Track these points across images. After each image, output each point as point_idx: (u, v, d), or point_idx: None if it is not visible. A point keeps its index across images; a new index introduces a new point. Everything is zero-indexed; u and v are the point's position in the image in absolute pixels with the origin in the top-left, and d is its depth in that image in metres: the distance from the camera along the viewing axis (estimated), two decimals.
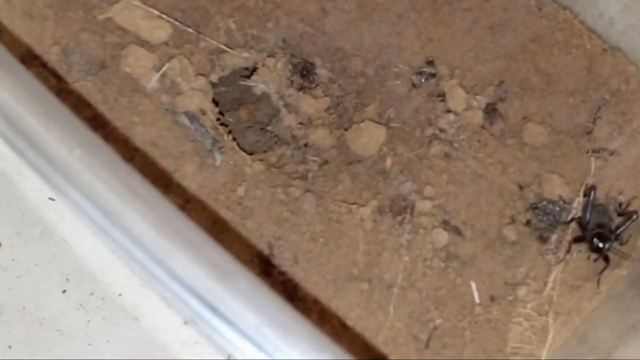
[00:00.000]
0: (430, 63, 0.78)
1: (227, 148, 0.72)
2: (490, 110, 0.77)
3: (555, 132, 0.77)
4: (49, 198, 0.72)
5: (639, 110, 0.79)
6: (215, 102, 0.74)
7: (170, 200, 0.52)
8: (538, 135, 0.77)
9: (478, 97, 0.77)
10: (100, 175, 0.50)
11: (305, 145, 0.74)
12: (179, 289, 0.49)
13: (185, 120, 0.73)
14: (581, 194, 0.76)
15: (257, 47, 0.76)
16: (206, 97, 0.74)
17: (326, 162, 0.74)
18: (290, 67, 0.76)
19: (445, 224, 0.73)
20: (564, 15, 0.81)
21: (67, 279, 0.70)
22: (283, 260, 0.70)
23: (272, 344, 0.48)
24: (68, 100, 0.70)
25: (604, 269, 0.73)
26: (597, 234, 0.73)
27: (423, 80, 0.77)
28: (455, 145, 0.76)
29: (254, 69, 0.76)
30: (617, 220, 0.76)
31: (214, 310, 0.48)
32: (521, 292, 0.72)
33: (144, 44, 0.74)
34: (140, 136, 0.71)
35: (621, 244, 0.74)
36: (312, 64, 0.76)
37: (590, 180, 0.76)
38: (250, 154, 0.73)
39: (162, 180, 0.70)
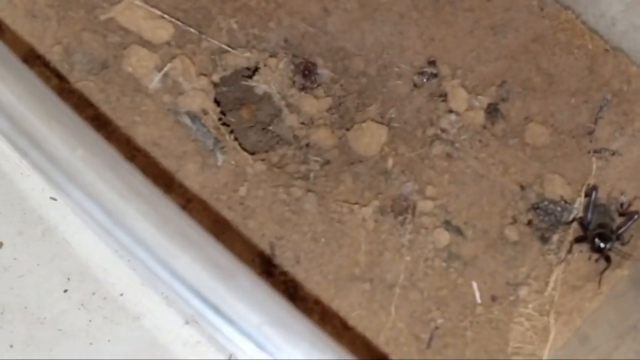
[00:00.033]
0: (432, 63, 0.78)
1: (229, 148, 0.72)
2: (492, 111, 0.77)
3: (557, 133, 0.77)
4: (51, 198, 0.72)
5: None
6: (217, 102, 0.74)
7: (172, 200, 0.52)
8: (540, 136, 0.77)
9: (480, 97, 0.77)
10: (102, 175, 0.50)
11: (307, 145, 0.74)
12: (181, 288, 0.49)
13: (187, 120, 0.73)
14: (582, 194, 0.76)
15: (259, 47, 0.76)
16: (208, 97, 0.74)
17: (328, 162, 0.74)
18: (292, 67, 0.76)
19: (447, 224, 0.73)
20: (566, 15, 0.81)
21: (69, 279, 0.70)
22: (284, 260, 0.70)
23: (274, 343, 0.48)
24: (70, 100, 0.70)
25: (605, 269, 0.73)
26: (599, 234, 0.73)
27: (425, 80, 0.77)
28: (457, 145, 0.76)
29: (256, 69, 0.76)
30: (619, 220, 0.76)
31: (216, 309, 0.48)
32: (522, 292, 0.72)
33: (146, 44, 0.74)
34: (142, 136, 0.71)
35: (622, 244, 0.74)
36: (314, 64, 0.76)
37: (591, 181, 0.76)
38: (252, 153, 0.73)
39: (163, 180, 0.70)
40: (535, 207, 0.75)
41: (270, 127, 0.75)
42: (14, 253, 0.71)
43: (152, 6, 0.75)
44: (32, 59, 0.72)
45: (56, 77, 0.72)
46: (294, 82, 0.76)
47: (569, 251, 0.74)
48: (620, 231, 0.74)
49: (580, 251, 0.74)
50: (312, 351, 0.48)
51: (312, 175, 0.73)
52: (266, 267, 0.70)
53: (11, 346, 0.69)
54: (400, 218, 0.73)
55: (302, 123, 0.75)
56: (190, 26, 0.75)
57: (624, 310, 0.72)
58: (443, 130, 0.76)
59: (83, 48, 0.73)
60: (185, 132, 0.72)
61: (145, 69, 0.73)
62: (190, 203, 0.70)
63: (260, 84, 0.75)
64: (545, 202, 0.75)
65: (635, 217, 0.75)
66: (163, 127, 0.72)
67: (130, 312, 0.70)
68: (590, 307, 0.73)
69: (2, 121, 0.51)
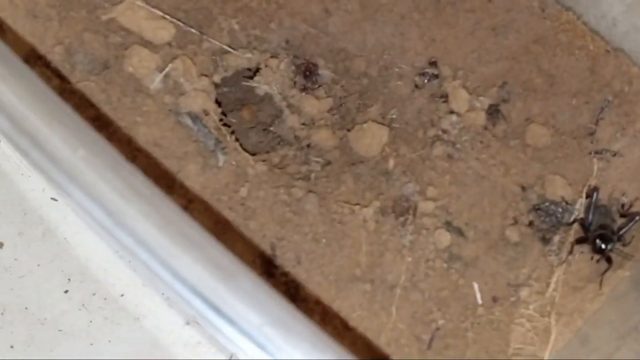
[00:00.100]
0: (433, 64, 0.78)
1: (230, 149, 0.72)
2: (493, 112, 0.77)
3: (558, 134, 0.77)
4: (51, 198, 0.72)
5: None
6: (218, 103, 0.74)
7: (173, 201, 0.52)
8: (541, 137, 0.77)
9: (481, 98, 0.77)
10: (103, 176, 0.50)
11: (308, 146, 0.74)
12: (182, 289, 0.49)
13: (188, 121, 0.73)
14: (584, 195, 0.76)
15: (260, 47, 0.76)
16: (209, 97, 0.74)
17: (329, 163, 0.74)
18: (293, 67, 0.76)
19: (448, 225, 0.73)
20: (567, 16, 0.81)
21: (69, 279, 0.70)
22: (285, 261, 0.70)
23: (275, 344, 0.48)
24: (71, 100, 0.70)
25: (606, 270, 0.73)
26: (600, 235, 0.73)
27: (426, 81, 0.77)
28: (458, 146, 0.76)
29: (257, 70, 0.76)
30: (620, 221, 0.76)
31: (217, 310, 0.48)
32: (523, 293, 0.72)
33: (147, 44, 0.74)
34: (143, 136, 0.71)
35: (624, 245, 0.74)
36: (315, 65, 0.76)
37: (592, 182, 0.76)
38: (253, 154, 0.73)
39: (164, 181, 0.70)
40: (536, 208, 0.75)
41: (271, 128, 0.75)
42: (14, 253, 0.71)
43: (153, 7, 0.75)
44: (34, 59, 0.72)
45: (57, 78, 0.72)
46: (295, 82, 0.76)
47: (570, 252, 0.74)
48: (621, 232, 0.74)
49: (582, 252, 0.74)
50: (313, 352, 0.48)
51: (313, 176, 0.73)
52: (267, 267, 0.70)
53: (12, 347, 0.69)
54: (402, 219, 0.73)
55: (303, 124, 0.75)
56: (192, 27, 0.75)
57: (625, 311, 0.72)
58: (444, 131, 0.76)
59: (84, 48, 0.73)
60: (187, 133, 0.72)
61: (147, 69, 0.73)
62: (192, 204, 0.70)
63: (261, 85, 0.75)
64: (547, 203, 0.75)
65: (637, 218, 0.74)
66: (164, 128, 0.72)
67: (130, 312, 0.70)
68: (591, 308, 0.73)
69: (3, 121, 0.51)
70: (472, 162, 0.75)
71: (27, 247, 0.71)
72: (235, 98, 0.75)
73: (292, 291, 0.69)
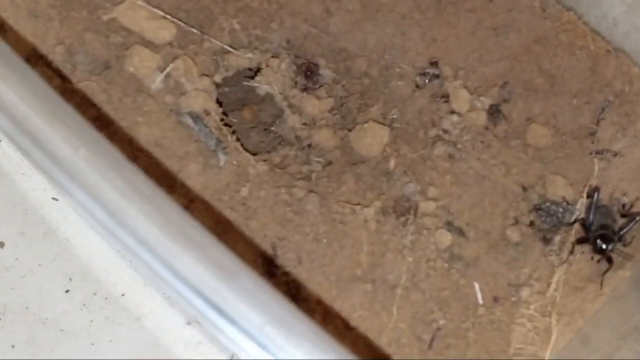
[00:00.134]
0: (434, 64, 0.78)
1: (231, 148, 0.72)
2: (494, 112, 0.77)
3: (559, 134, 0.77)
4: (52, 198, 0.72)
5: None
6: (219, 103, 0.74)
7: (174, 201, 0.52)
8: (542, 137, 0.77)
9: (482, 98, 0.77)
10: (105, 175, 0.50)
11: (309, 145, 0.74)
12: (183, 288, 0.49)
13: (189, 121, 0.73)
14: (584, 195, 0.76)
15: (261, 47, 0.76)
16: (210, 97, 0.74)
17: (330, 163, 0.74)
18: (294, 67, 0.76)
19: (449, 225, 0.73)
20: (568, 16, 0.81)
21: (70, 279, 0.70)
22: (286, 261, 0.70)
23: (276, 343, 0.48)
24: (72, 100, 0.70)
25: (607, 270, 0.73)
26: (601, 235, 0.73)
27: (427, 81, 0.77)
28: (459, 146, 0.76)
29: (258, 70, 0.76)
30: (621, 221, 0.76)
31: (218, 310, 0.48)
32: (524, 293, 0.72)
33: (148, 44, 0.74)
34: (144, 136, 0.71)
35: (624, 245, 0.74)
36: (316, 65, 0.76)
37: (593, 182, 0.76)
38: (254, 154, 0.73)
39: (165, 181, 0.70)
40: (537, 208, 0.75)
41: (272, 128, 0.75)
42: (15, 253, 0.71)
43: (154, 6, 0.75)
44: (35, 59, 0.72)
45: (58, 78, 0.72)
46: (296, 82, 0.76)
47: (571, 252, 0.74)
48: (622, 232, 0.74)
49: (582, 252, 0.74)
50: (314, 351, 0.48)
51: (314, 175, 0.73)
52: (268, 267, 0.70)
53: (13, 346, 0.69)
54: (402, 219, 0.73)
55: (304, 124, 0.75)
56: (193, 27, 0.75)
57: (626, 312, 0.72)
58: (445, 131, 0.76)
59: (85, 48, 0.73)
60: (188, 133, 0.72)
61: (148, 69, 0.73)
62: (193, 203, 0.70)
63: (262, 85, 0.75)
64: (547, 203, 0.75)
65: (637, 218, 0.74)
66: (165, 128, 0.72)
67: (132, 312, 0.70)
68: (592, 308, 0.73)
69: (4, 121, 0.51)
70: (473, 162, 0.75)
71: (28, 246, 0.71)
72: (236, 98, 0.75)
73: (293, 291, 0.69)
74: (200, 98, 0.73)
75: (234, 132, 0.73)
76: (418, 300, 0.71)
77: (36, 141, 0.50)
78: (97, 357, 0.69)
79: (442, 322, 0.70)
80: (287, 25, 0.77)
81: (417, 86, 0.77)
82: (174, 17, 0.75)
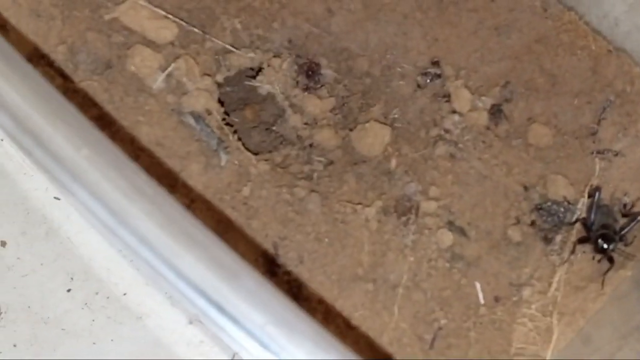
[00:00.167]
0: (435, 63, 0.78)
1: (233, 148, 0.73)
2: (496, 111, 0.77)
3: (560, 133, 0.77)
4: (54, 197, 0.72)
5: None
6: (221, 102, 0.74)
7: (176, 200, 0.52)
8: (543, 136, 0.77)
9: (483, 97, 0.77)
10: (107, 175, 0.50)
11: (311, 145, 0.74)
12: (185, 287, 0.49)
13: (191, 120, 0.73)
14: (586, 195, 0.76)
15: (262, 47, 0.76)
16: (212, 97, 0.74)
17: (331, 163, 0.74)
18: (295, 67, 0.76)
19: (450, 225, 0.73)
20: (569, 16, 0.81)
21: (72, 278, 0.71)
22: (288, 260, 0.70)
23: (278, 343, 0.48)
24: (74, 99, 0.70)
25: (608, 270, 0.73)
26: (602, 234, 0.72)
27: (428, 80, 0.77)
28: (460, 146, 0.76)
29: (260, 69, 0.76)
30: (622, 221, 0.75)
31: (220, 309, 0.48)
32: (526, 292, 0.72)
33: (150, 44, 0.74)
34: (145, 136, 0.71)
35: (626, 245, 0.74)
36: (318, 64, 0.76)
37: (594, 181, 0.76)
38: (256, 154, 0.73)
39: (167, 180, 0.70)
40: (538, 208, 0.75)
41: (274, 128, 0.75)
42: (17, 253, 0.71)
43: (156, 6, 0.75)
44: (37, 58, 0.72)
45: (60, 77, 0.72)
46: (297, 82, 0.76)
47: (572, 252, 0.74)
48: (623, 232, 0.74)
49: (584, 252, 0.74)
50: (315, 351, 0.48)
51: (315, 175, 0.73)
52: (270, 267, 0.70)
53: (15, 345, 0.69)
54: (404, 218, 0.73)
55: (306, 123, 0.75)
56: (194, 26, 0.75)
57: (627, 311, 0.72)
58: (446, 131, 0.76)
59: (87, 48, 0.73)
60: (189, 132, 0.72)
61: (149, 69, 0.73)
62: (194, 203, 0.70)
63: (263, 84, 0.75)
64: (549, 203, 0.75)
65: (639, 217, 0.74)
66: (167, 127, 0.72)
67: (133, 311, 0.70)
68: (594, 307, 0.73)
69: (6, 120, 0.51)
70: (475, 161, 0.75)
71: (30, 246, 0.71)
72: (237, 97, 0.75)
73: (295, 290, 0.69)
74: (201, 98, 0.73)
75: (235, 132, 0.73)
76: (419, 299, 0.71)
77: (38, 140, 0.50)
78: (98, 356, 0.69)
79: (443, 321, 0.70)
80: (288, 24, 0.77)
81: (419, 86, 0.77)
82: (176, 17, 0.75)
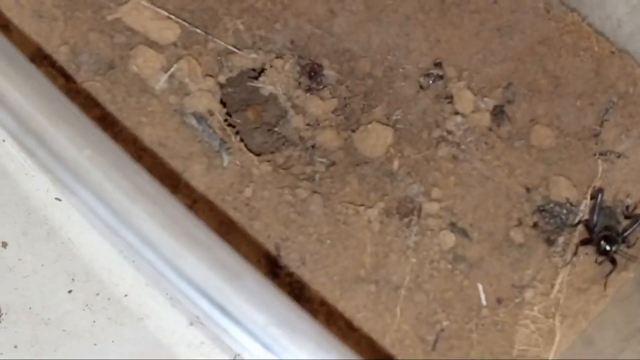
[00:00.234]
0: (438, 65, 0.78)
1: (235, 149, 0.72)
2: (498, 113, 0.77)
3: (563, 135, 0.77)
4: (55, 198, 0.72)
5: None
6: (223, 103, 0.74)
7: (178, 201, 0.52)
8: (545, 138, 0.77)
9: (486, 99, 0.77)
10: (109, 175, 0.50)
11: (313, 146, 0.74)
12: (187, 288, 0.49)
13: (193, 121, 0.73)
14: (588, 196, 0.76)
15: (265, 48, 0.76)
16: (214, 98, 0.74)
17: (333, 164, 0.74)
18: (298, 68, 0.76)
19: (453, 226, 0.73)
20: (572, 17, 0.81)
21: (73, 279, 0.70)
22: (290, 262, 0.70)
23: (280, 343, 0.48)
24: (76, 100, 0.70)
25: (611, 272, 0.73)
26: (604, 236, 0.72)
27: (431, 82, 0.77)
28: (463, 147, 0.76)
29: (262, 70, 0.76)
30: (624, 223, 0.75)
31: (222, 310, 0.48)
32: (528, 294, 0.72)
33: (153, 44, 0.74)
34: (148, 136, 0.71)
35: (628, 247, 0.74)
36: (320, 65, 0.76)
37: (597, 183, 0.76)
38: (258, 155, 0.73)
39: (169, 181, 0.70)
40: (540, 210, 0.75)
41: (276, 129, 0.75)
42: (18, 253, 0.71)
43: (158, 7, 0.75)
44: (39, 59, 0.72)
45: (63, 77, 0.72)
46: (299, 83, 0.76)
47: (575, 254, 0.73)
48: (626, 234, 0.74)
49: (586, 254, 0.74)
50: (317, 352, 0.48)
51: (317, 176, 0.73)
52: (272, 268, 0.70)
53: (15, 347, 0.69)
54: (406, 220, 0.73)
55: (308, 124, 0.75)
56: (197, 27, 0.75)
57: (630, 313, 0.72)
58: (449, 132, 0.76)
59: (90, 48, 0.73)
60: (191, 133, 0.72)
61: (152, 69, 0.73)
62: (196, 204, 0.70)
63: (266, 85, 0.75)
64: (551, 205, 0.75)
65: None
66: (169, 128, 0.72)
67: (134, 313, 0.70)
68: (596, 309, 0.72)
69: (9, 120, 0.51)
70: (477, 163, 0.75)
71: (31, 247, 0.71)
72: (240, 98, 0.75)
73: (297, 292, 0.69)
74: (204, 98, 0.73)
75: (237, 133, 0.73)
76: (422, 301, 0.70)
77: (41, 141, 0.50)
78: (99, 357, 0.69)
79: (445, 323, 0.70)
80: (291, 25, 0.77)
81: (421, 87, 0.77)
82: (178, 18, 0.75)
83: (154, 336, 0.70)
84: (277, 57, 0.76)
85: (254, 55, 0.76)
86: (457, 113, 0.77)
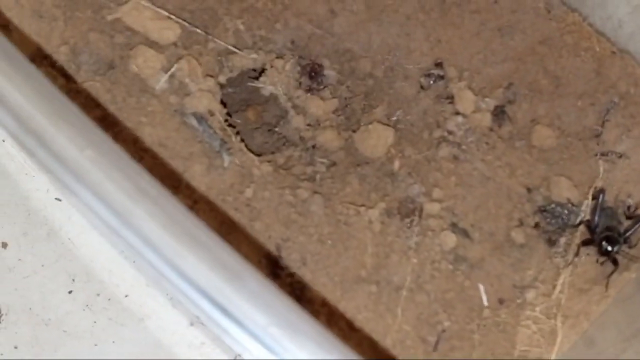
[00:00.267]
0: (438, 65, 0.78)
1: (235, 149, 0.72)
2: (499, 113, 0.77)
3: (564, 135, 0.77)
4: (56, 198, 0.72)
5: None
6: (224, 103, 0.74)
7: (179, 201, 0.52)
8: (546, 138, 0.77)
9: (486, 99, 0.77)
10: (110, 175, 0.50)
11: (313, 146, 0.74)
12: (188, 288, 0.49)
13: (194, 121, 0.73)
14: (590, 196, 0.76)
15: (265, 48, 0.76)
16: (214, 98, 0.74)
17: (334, 164, 0.74)
18: (298, 68, 0.76)
19: (454, 227, 0.73)
20: (573, 17, 0.81)
21: (73, 280, 0.70)
22: (291, 262, 0.70)
23: (281, 344, 0.48)
24: (77, 100, 0.70)
25: (612, 272, 0.73)
26: (606, 237, 0.72)
27: (431, 82, 0.77)
28: (464, 147, 0.76)
29: (262, 70, 0.76)
30: (626, 223, 0.75)
31: (223, 310, 0.48)
32: (530, 295, 0.72)
33: (153, 44, 0.74)
34: (148, 137, 0.71)
35: (630, 247, 0.74)
36: (321, 66, 0.76)
37: (598, 183, 0.76)
38: (258, 155, 0.73)
39: (170, 181, 0.70)
40: (542, 210, 0.75)
41: (277, 129, 0.75)
42: (18, 254, 0.71)
43: (158, 7, 0.75)
44: (39, 59, 0.72)
45: (63, 77, 0.72)
46: (300, 83, 0.76)
47: (576, 254, 0.73)
48: (627, 234, 0.74)
49: (588, 254, 0.74)
50: (318, 352, 0.48)
51: (318, 176, 0.73)
52: (272, 268, 0.70)
53: (16, 347, 0.68)
54: (407, 220, 0.73)
55: (309, 124, 0.75)
56: (197, 27, 0.75)
57: (631, 314, 0.72)
58: (450, 132, 0.76)
59: (90, 48, 0.73)
60: (192, 133, 0.72)
61: (152, 69, 0.73)
62: (197, 204, 0.70)
63: (266, 85, 0.75)
64: (552, 205, 0.75)
65: None
66: (169, 128, 0.72)
67: (135, 313, 0.70)
68: (598, 310, 0.72)
69: (9, 121, 0.51)
70: (478, 163, 0.75)
71: (31, 247, 0.71)
72: (240, 99, 0.75)
73: (298, 292, 0.69)
74: (204, 99, 0.73)
75: (238, 133, 0.73)
76: (423, 301, 0.70)
77: (41, 141, 0.50)
78: (100, 358, 0.69)
79: (447, 323, 0.70)
80: (291, 25, 0.77)
81: (422, 87, 0.77)
82: (179, 18, 0.75)
83: (155, 337, 0.70)
84: (277, 57, 0.76)
85: (254, 56, 0.76)
86: (458, 113, 0.76)
